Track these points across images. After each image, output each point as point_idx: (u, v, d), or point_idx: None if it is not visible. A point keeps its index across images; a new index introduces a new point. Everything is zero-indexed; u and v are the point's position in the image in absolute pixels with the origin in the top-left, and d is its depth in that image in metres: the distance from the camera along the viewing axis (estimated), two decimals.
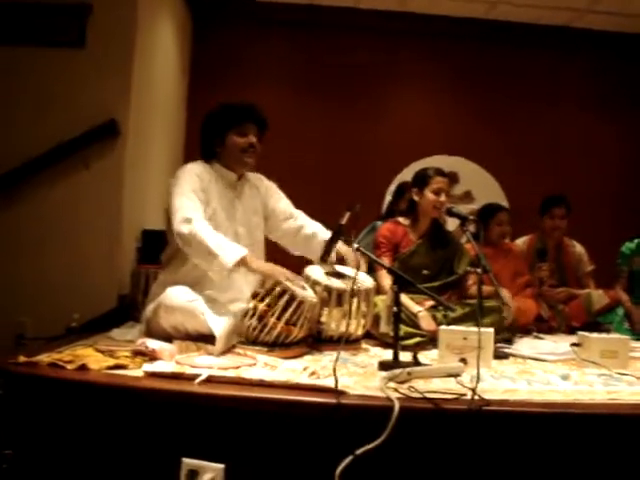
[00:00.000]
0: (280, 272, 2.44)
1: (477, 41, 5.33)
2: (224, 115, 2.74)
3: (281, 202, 2.94)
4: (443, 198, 3.09)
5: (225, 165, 2.77)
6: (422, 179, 3.15)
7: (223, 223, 2.68)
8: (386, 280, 2.94)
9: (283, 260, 2.64)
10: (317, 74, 5.23)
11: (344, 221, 2.44)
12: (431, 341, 2.74)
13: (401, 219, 3.27)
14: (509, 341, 2.94)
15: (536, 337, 3.28)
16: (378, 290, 2.88)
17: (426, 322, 2.87)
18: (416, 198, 3.17)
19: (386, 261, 3.03)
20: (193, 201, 2.55)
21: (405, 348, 2.42)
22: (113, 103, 3.33)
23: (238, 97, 2.83)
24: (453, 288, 3.20)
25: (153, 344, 2.16)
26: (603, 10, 4.97)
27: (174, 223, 2.51)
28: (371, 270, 3.26)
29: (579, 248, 4.03)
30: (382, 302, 2.72)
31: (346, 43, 5.26)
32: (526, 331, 3.34)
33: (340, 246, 2.69)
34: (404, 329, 2.63)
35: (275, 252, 2.97)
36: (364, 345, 2.71)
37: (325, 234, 2.81)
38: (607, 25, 5.23)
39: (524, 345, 2.91)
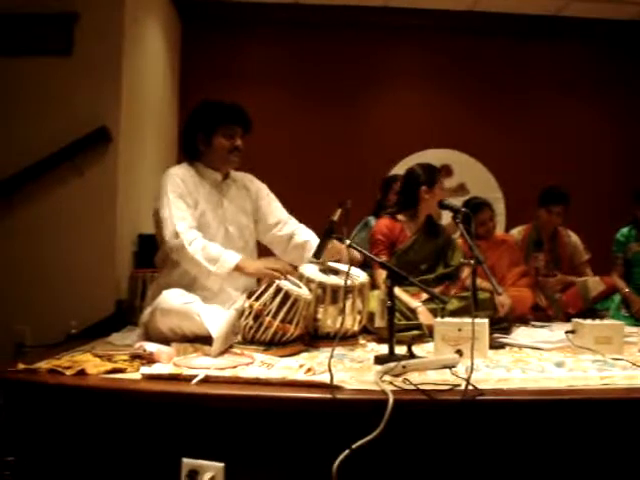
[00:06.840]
0: (273, 267, 2.45)
1: (466, 33, 5.32)
2: (212, 115, 2.70)
3: (271, 206, 2.89)
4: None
5: (209, 165, 2.75)
6: (432, 178, 3.15)
7: (212, 223, 2.68)
8: (383, 277, 2.94)
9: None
10: (306, 72, 5.23)
11: (335, 217, 2.45)
12: (430, 334, 2.75)
13: (399, 215, 3.26)
14: (506, 330, 2.95)
15: (533, 326, 3.30)
16: (375, 286, 2.89)
17: (425, 316, 2.88)
18: (426, 197, 3.14)
19: (384, 258, 3.02)
20: (181, 209, 2.55)
21: (401, 342, 2.44)
22: (104, 109, 3.35)
23: (229, 97, 2.79)
24: (449, 280, 3.21)
25: (151, 347, 2.18)
26: None
27: (165, 235, 2.53)
28: (367, 266, 3.26)
29: (574, 238, 4.02)
30: (375, 298, 2.73)
31: (333, 40, 5.26)
32: (523, 320, 3.36)
33: (335, 243, 2.66)
34: (399, 323, 2.64)
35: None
36: (361, 340, 2.72)
37: (315, 243, 2.71)
38: (595, 13, 5.23)
39: (520, 334, 2.93)
